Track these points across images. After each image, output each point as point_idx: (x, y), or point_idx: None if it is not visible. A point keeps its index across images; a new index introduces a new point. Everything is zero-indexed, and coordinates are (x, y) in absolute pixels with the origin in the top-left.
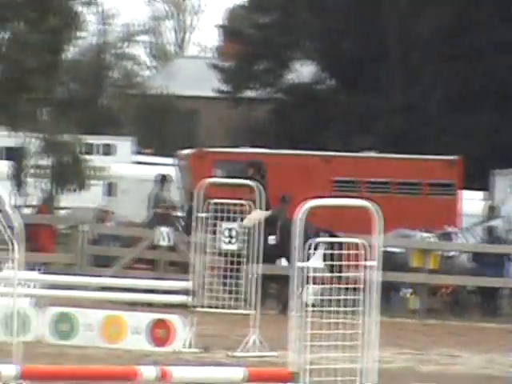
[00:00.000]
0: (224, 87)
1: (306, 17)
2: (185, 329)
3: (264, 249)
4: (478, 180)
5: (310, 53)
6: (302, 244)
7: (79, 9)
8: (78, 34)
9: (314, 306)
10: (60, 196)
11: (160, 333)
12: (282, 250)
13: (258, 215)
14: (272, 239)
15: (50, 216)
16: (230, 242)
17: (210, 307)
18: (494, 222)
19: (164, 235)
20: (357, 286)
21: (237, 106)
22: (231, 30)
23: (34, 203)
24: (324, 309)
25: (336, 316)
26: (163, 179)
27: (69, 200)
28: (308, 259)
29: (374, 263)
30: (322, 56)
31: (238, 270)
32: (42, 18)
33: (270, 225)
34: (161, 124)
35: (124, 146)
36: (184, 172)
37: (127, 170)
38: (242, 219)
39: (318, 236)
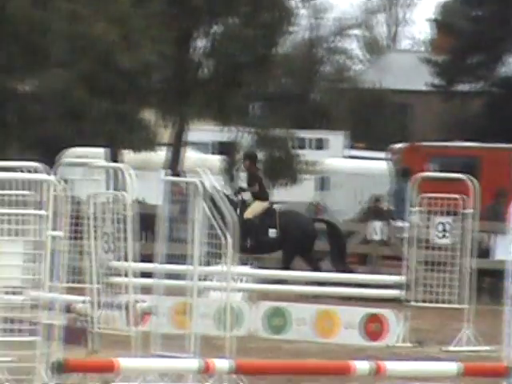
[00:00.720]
0: (437, 81)
1: None
2: (398, 323)
3: (264, 241)
4: None
5: None
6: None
7: (292, 3)
8: (291, 28)
9: None
10: (272, 190)
11: (373, 327)
12: (281, 242)
13: (258, 207)
14: (272, 232)
15: None
16: (443, 236)
17: (424, 301)
18: None
19: (377, 229)
20: None
21: (450, 99)
22: (444, 24)
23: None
24: None
25: None
26: (406, 172)
27: (281, 194)
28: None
29: None
30: None
31: (451, 264)
32: (255, 13)
33: (269, 217)
34: (373, 118)
35: (336, 140)
36: (397, 166)
37: (340, 164)
38: (455, 213)
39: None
